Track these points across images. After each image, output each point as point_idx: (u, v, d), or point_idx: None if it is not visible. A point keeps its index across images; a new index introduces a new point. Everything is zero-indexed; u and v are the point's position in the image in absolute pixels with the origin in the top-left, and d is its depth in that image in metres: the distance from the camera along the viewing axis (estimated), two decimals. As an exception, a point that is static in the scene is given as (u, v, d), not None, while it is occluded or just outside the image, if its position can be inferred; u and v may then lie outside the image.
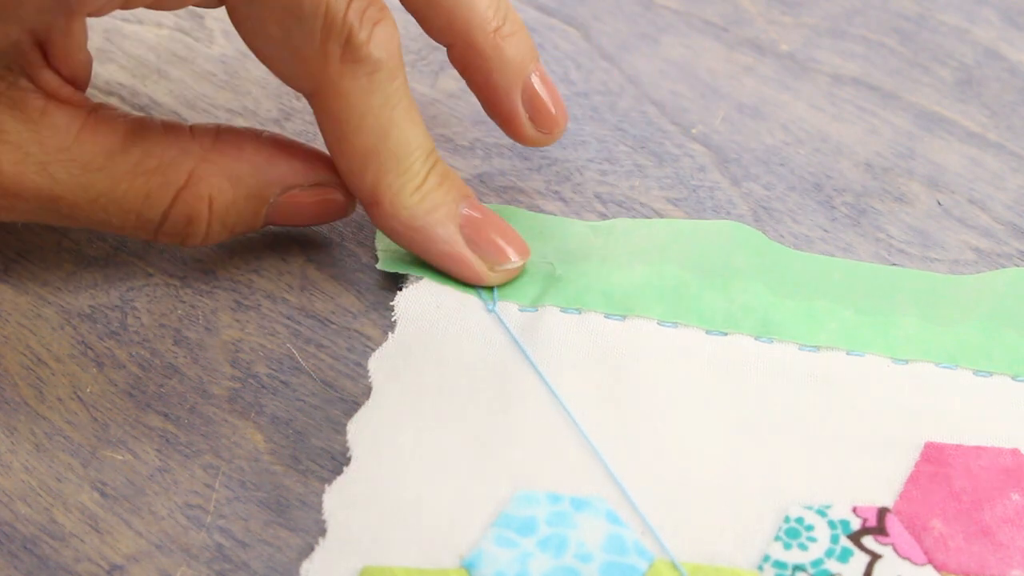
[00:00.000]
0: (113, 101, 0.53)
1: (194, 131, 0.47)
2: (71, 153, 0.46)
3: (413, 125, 0.47)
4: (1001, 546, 0.42)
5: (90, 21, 0.51)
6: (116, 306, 0.48)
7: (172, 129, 0.47)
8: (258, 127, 0.53)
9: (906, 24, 0.56)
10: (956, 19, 0.57)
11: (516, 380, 0.46)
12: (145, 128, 0.47)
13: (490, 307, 0.48)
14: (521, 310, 0.48)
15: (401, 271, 0.48)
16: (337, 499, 0.43)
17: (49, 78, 0.46)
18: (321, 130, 0.47)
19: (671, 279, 0.48)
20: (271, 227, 0.50)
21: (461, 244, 0.48)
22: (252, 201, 0.47)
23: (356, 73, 0.46)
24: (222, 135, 0.47)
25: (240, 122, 0.53)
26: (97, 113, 0.46)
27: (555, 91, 0.50)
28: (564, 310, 0.48)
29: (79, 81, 0.47)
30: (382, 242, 0.49)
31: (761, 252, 0.49)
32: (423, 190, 0.47)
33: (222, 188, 0.47)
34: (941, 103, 0.54)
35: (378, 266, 0.49)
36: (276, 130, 0.53)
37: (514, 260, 0.48)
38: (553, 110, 0.49)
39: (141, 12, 0.55)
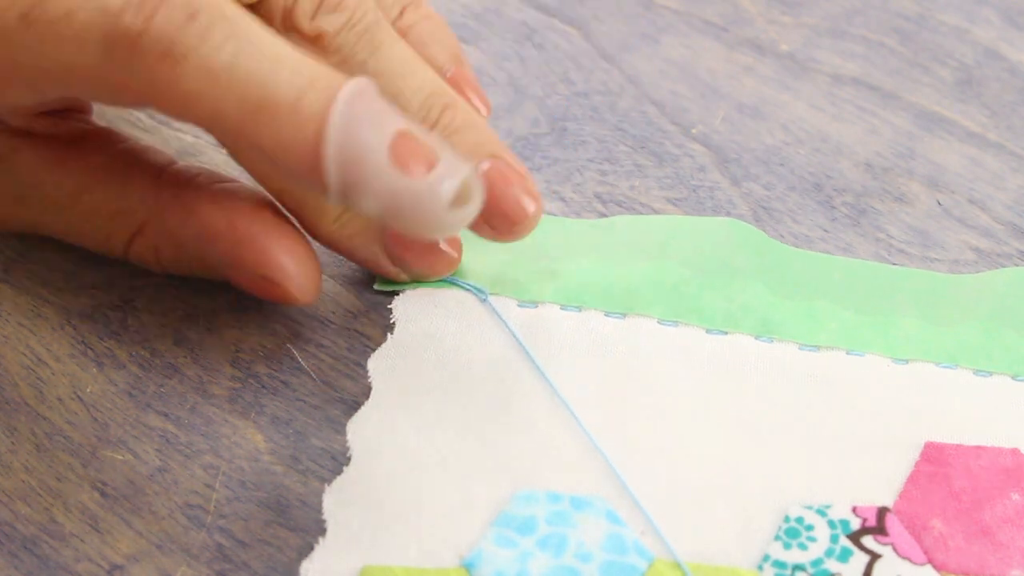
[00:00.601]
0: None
1: (162, 177, 0.47)
2: (41, 189, 0.47)
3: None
4: (1001, 546, 0.42)
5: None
6: (116, 306, 0.49)
7: (140, 171, 0.47)
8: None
9: (906, 24, 0.57)
10: (956, 19, 0.57)
11: (516, 379, 0.46)
12: (113, 168, 0.47)
13: (482, 298, 0.48)
14: (520, 306, 0.48)
15: (398, 289, 0.48)
16: (337, 499, 0.43)
17: (21, 120, 0.47)
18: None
19: (671, 277, 0.48)
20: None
21: (384, 260, 0.47)
22: (198, 263, 0.47)
23: (174, 63, 0.40)
24: (182, 192, 0.47)
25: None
26: (74, 147, 0.47)
27: (508, 195, 0.46)
28: (564, 307, 0.48)
29: (78, 106, 0.48)
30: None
31: (761, 251, 0.49)
32: (343, 219, 0.47)
33: (167, 246, 0.47)
34: (941, 103, 0.54)
35: (376, 286, 0.49)
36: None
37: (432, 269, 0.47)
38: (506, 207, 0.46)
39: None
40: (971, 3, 0.57)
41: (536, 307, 0.48)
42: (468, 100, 0.48)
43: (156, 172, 0.47)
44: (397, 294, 0.48)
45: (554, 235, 0.50)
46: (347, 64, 0.45)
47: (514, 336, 0.47)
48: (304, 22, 0.45)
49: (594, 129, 0.53)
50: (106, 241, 0.48)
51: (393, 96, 0.45)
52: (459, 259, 0.48)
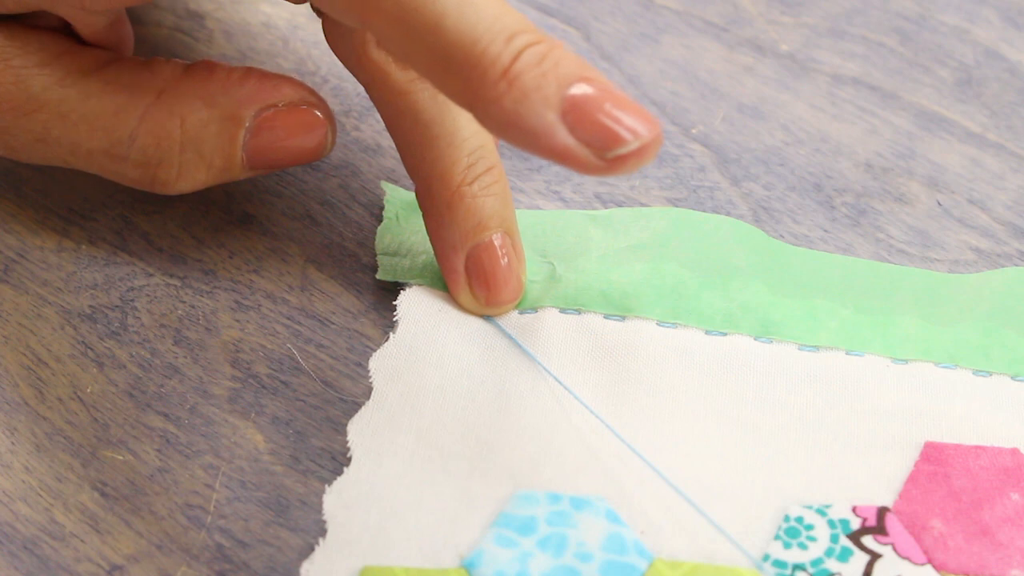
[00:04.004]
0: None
1: (168, 62, 0.47)
2: (49, 68, 0.46)
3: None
4: (1000, 545, 0.42)
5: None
6: (116, 306, 0.49)
7: (147, 60, 0.47)
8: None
9: (906, 24, 0.56)
10: (956, 19, 0.57)
11: (516, 380, 0.46)
12: (121, 57, 0.47)
13: (486, 316, 0.48)
14: (521, 313, 0.48)
15: (400, 280, 0.48)
16: (337, 499, 0.43)
17: (48, 19, 0.46)
18: (388, 42, 0.42)
19: (670, 278, 0.48)
20: (271, 227, 0.50)
21: (564, 134, 0.40)
22: (226, 124, 0.46)
23: None
24: (192, 66, 0.47)
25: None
26: (85, 46, 0.47)
27: (501, 268, 0.46)
28: (563, 311, 0.48)
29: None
30: (381, 246, 0.49)
31: (760, 250, 0.49)
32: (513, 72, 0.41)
33: (193, 106, 0.46)
34: (941, 103, 0.54)
35: (378, 276, 0.49)
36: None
37: (630, 136, 0.40)
38: (493, 284, 0.46)
39: (140, 10, 0.55)
40: (971, 3, 0.57)
41: (536, 312, 0.48)
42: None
43: (161, 60, 0.47)
44: (400, 289, 0.48)
45: (552, 235, 0.50)
46: None
47: (515, 343, 0.47)
48: None
49: (594, 129, 0.53)
50: (113, 118, 0.46)
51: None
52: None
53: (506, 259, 0.46)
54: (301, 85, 0.47)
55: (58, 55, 0.46)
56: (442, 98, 0.46)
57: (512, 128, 0.40)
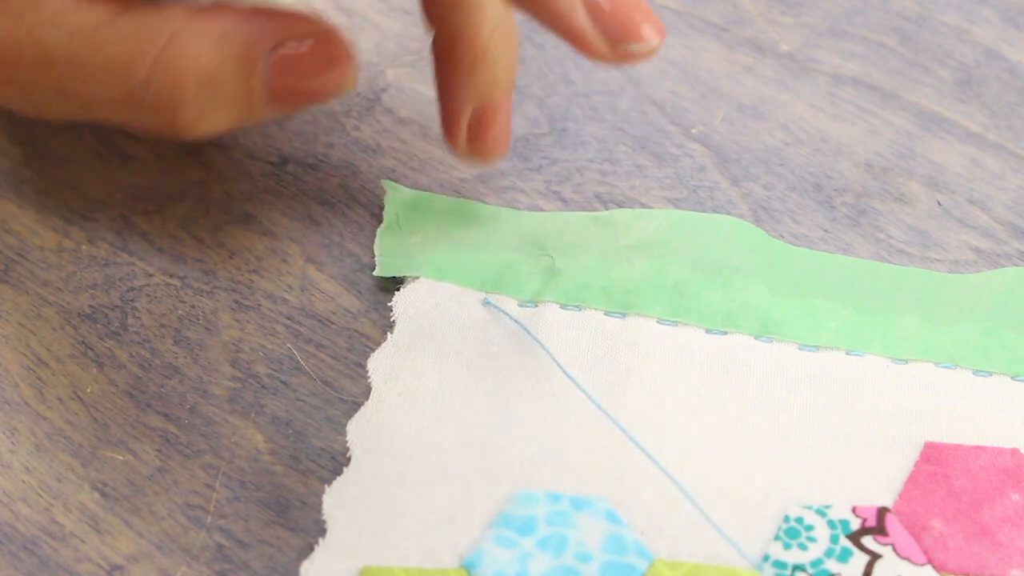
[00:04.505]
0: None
1: (178, 5, 0.46)
2: (63, 20, 0.45)
3: None
4: (1000, 546, 0.42)
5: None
6: (116, 306, 0.49)
7: (158, 6, 0.46)
8: (257, 126, 0.53)
9: (906, 24, 0.56)
10: (956, 19, 0.57)
11: (515, 378, 0.46)
12: (132, 6, 0.46)
13: (486, 301, 0.48)
14: (520, 306, 0.48)
15: (399, 275, 0.48)
16: (337, 499, 0.43)
17: None
18: None
19: (671, 276, 0.48)
20: (271, 227, 0.50)
21: (582, 17, 0.46)
22: (242, 63, 0.45)
23: None
24: (203, 7, 0.46)
25: (240, 122, 0.53)
26: None
27: (505, 127, 0.49)
28: (564, 307, 0.48)
29: None
30: (381, 246, 0.49)
31: (760, 249, 0.49)
32: None
33: (206, 46, 0.45)
34: (941, 103, 0.54)
35: (375, 273, 0.49)
36: (276, 130, 0.53)
37: (648, 37, 0.46)
38: (495, 140, 0.49)
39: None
40: (971, 3, 0.57)
41: (536, 306, 0.48)
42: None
43: (173, 3, 0.46)
44: (398, 286, 0.48)
45: (552, 231, 0.50)
46: None
47: (524, 330, 0.47)
48: None
49: (594, 129, 0.53)
50: (127, 64, 0.45)
51: None
52: None
53: (507, 120, 0.49)
54: (318, 20, 0.46)
55: (70, 8, 0.45)
56: None
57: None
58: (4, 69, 0.46)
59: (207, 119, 0.46)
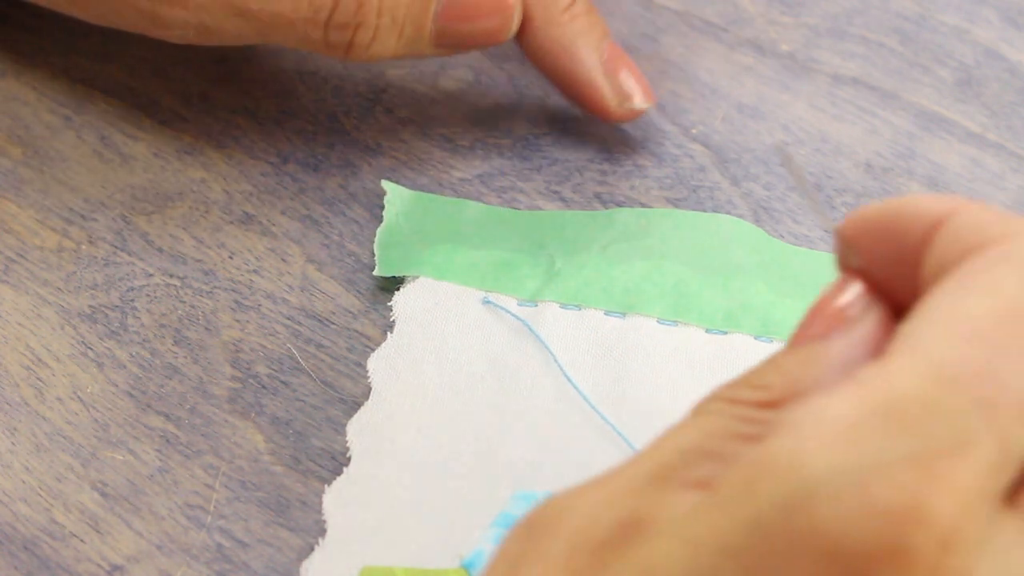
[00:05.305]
0: (112, 100, 0.53)
1: None
2: None
3: None
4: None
5: (89, 25, 0.51)
6: (116, 306, 0.49)
7: None
8: (257, 126, 0.53)
9: (906, 24, 0.56)
10: (956, 19, 0.57)
11: (515, 377, 0.46)
12: None
13: (486, 300, 0.48)
14: (520, 305, 0.48)
15: (399, 274, 0.48)
16: (337, 499, 0.43)
17: None
18: None
19: (671, 276, 0.48)
20: (270, 227, 0.50)
21: (600, 73, 0.51)
22: None
23: None
24: None
25: (240, 121, 0.53)
26: None
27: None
28: (564, 306, 0.47)
29: None
30: (381, 246, 0.49)
31: (760, 249, 0.49)
32: (573, 11, 0.50)
33: None
34: (941, 103, 0.54)
35: (375, 272, 0.49)
36: (275, 130, 0.53)
37: (638, 102, 0.51)
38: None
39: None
40: (971, 3, 0.57)
41: (536, 306, 0.48)
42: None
43: None
44: (398, 286, 0.48)
45: (552, 230, 0.50)
46: None
47: (528, 328, 0.47)
48: None
49: (594, 129, 0.53)
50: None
51: None
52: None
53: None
54: None
55: None
56: None
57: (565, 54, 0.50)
58: None
59: (380, 42, 0.48)
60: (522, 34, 0.50)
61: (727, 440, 0.31)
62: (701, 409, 0.32)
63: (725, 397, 0.32)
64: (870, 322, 0.32)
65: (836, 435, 0.29)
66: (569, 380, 0.45)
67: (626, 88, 0.50)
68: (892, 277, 0.32)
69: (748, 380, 0.33)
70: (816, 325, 0.33)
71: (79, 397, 0.46)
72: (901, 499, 0.28)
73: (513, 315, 0.47)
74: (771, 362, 0.33)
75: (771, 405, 0.32)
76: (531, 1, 0.50)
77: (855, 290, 0.33)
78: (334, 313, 0.48)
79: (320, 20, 0.47)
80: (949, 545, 0.28)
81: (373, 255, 0.49)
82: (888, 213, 0.33)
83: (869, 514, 0.28)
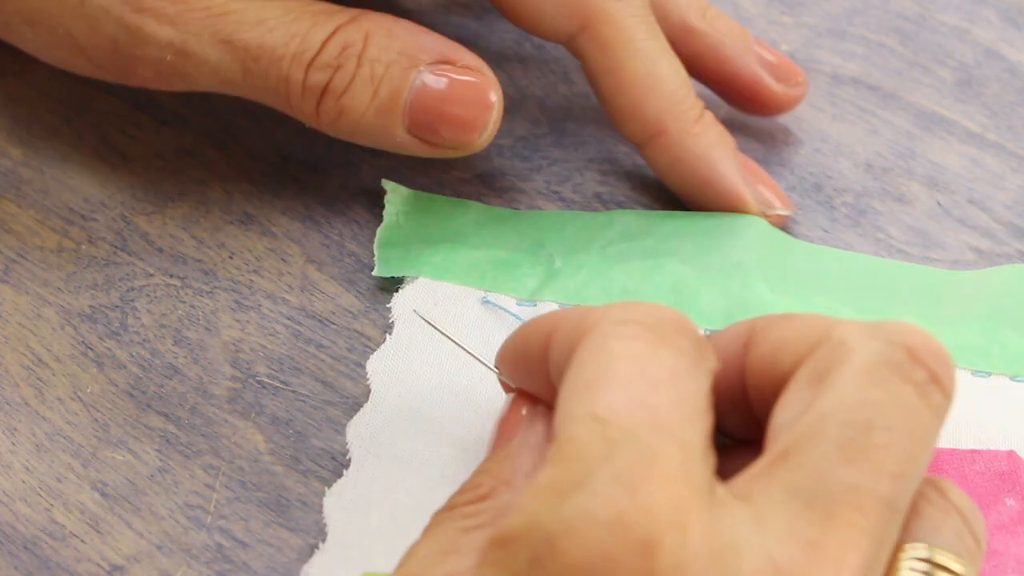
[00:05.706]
0: (113, 100, 0.53)
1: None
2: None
3: (674, 55, 0.49)
4: (995, 553, 0.42)
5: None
6: (116, 306, 0.49)
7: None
8: (257, 126, 0.53)
9: (906, 24, 0.56)
10: (956, 19, 0.57)
11: (515, 381, 0.46)
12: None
13: (485, 300, 0.48)
14: (519, 304, 0.48)
15: (399, 274, 0.48)
16: (337, 502, 0.43)
17: None
18: (590, 72, 0.49)
19: (670, 275, 0.48)
20: (270, 227, 0.50)
21: (742, 181, 0.50)
22: (404, 57, 0.47)
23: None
24: (384, 13, 0.49)
25: (240, 121, 0.53)
26: None
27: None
28: (563, 306, 0.48)
29: None
30: (381, 246, 0.49)
31: (761, 243, 0.49)
32: (704, 121, 0.49)
33: (380, 31, 0.47)
34: (941, 103, 0.54)
35: (375, 272, 0.49)
36: (275, 130, 0.53)
37: (779, 207, 0.50)
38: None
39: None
40: (971, 3, 0.57)
41: (535, 305, 0.48)
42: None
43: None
44: (398, 286, 0.48)
45: (552, 229, 0.50)
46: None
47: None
48: None
49: (594, 129, 0.53)
50: (310, 27, 0.48)
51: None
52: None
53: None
54: (479, 59, 0.48)
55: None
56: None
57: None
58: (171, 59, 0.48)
59: (353, 95, 0.48)
60: (655, 147, 0.49)
61: (458, 537, 0.37)
62: (429, 527, 0.38)
63: (445, 507, 0.39)
64: (540, 418, 0.41)
65: (552, 490, 0.34)
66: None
67: (767, 197, 0.50)
68: (539, 383, 0.40)
69: (463, 489, 0.39)
70: (503, 435, 0.41)
71: (79, 397, 0.47)
72: (610, 512, 0.33)
73: (512, 314, 0.47)
74: (477, 471, 0.40)
75: (486, 497, 0.39)
76: (664, 114, 0.49)
77: (518, 403, 0.41)
78: (334, 313, 0.48)
79: (305, 60, 0.47)
80: (653, 545, 0.33)
81: (373, 255, 0.49)
82: (516, 341, 0.41)
83: (596, 530, 0.33)
